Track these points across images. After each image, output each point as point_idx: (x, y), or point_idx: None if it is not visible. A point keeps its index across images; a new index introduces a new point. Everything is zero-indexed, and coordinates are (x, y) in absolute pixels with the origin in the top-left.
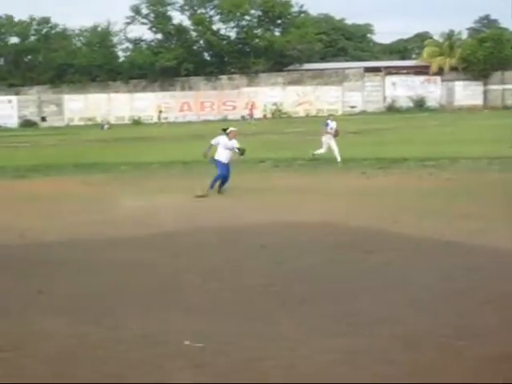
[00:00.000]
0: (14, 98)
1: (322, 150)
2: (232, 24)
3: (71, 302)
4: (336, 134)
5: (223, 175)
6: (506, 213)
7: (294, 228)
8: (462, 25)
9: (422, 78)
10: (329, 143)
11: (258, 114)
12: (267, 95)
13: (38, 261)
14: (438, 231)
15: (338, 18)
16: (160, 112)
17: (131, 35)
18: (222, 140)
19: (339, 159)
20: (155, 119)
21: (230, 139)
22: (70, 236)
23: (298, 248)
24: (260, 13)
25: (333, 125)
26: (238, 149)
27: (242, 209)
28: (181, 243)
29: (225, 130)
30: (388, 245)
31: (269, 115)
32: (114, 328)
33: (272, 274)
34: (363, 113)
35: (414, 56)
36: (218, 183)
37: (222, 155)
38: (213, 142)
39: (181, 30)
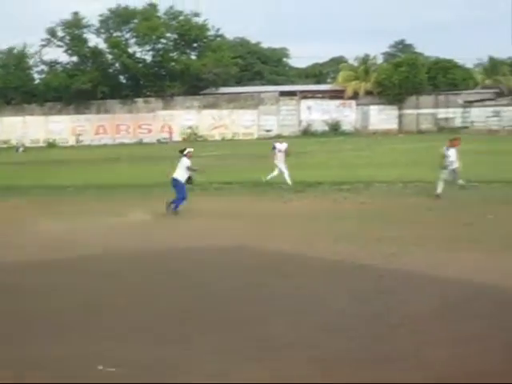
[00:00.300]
0: None
1: (285, 173)
2: (148, 47)
3: None
4: (288, 154)
5: (184, 195)
6: (418, 236)
7: (209, 252)
8: (377, 49)
9: (337, 102)
10: (279, 166)
11: (175, 137)
12: (183, 118)
13: None
14: (353, 255)
15: (253, 41)
16: (78, 135)
17: (47, 58)
18: (184, 161)
19: (290, 182)
20: (71, 142)
21: (189, 159)
22: None
23: (212, 272)
24: (176, 36)
25: (282, 147)
26: (194, 170)
27: (156, 232)
28: (92, 268)
29: (182, 151)
30: (303, 269)
31: (178, 138)
32: (23, 349)
33: (187, 298)
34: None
35: (329, 80)
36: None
37: (183, 176)
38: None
39: (96, 52)
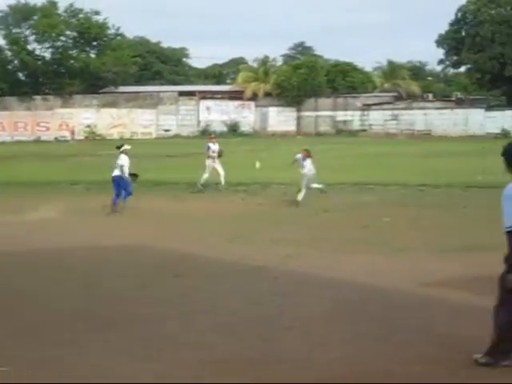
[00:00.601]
0: None
1: (205, 175)
2: (47, 44)
3: None
4: (220, 155)
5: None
6: (314, 238)
7: (103, 251)
8: (277, 51)
9: (236, 102)
10: (213, 166)
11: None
12: (81, 117)
13: None
14: (248, 256)
15: (153, 41)
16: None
17: None
18: (121, 158)
19: (223, 183)
20: None
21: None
22: None
23: (107, 272)
24: (76, 34)
25: (215, 147)
26: (124, 172)
27: (55, 232)
28: None
29: (119, 147)
30: (197, 269)
31: (81, 137)
32: None
33: (80, 298)
34: (177, 136)
35: (228, 81)
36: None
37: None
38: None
39: None
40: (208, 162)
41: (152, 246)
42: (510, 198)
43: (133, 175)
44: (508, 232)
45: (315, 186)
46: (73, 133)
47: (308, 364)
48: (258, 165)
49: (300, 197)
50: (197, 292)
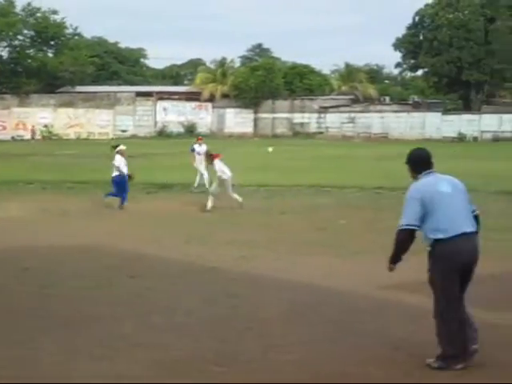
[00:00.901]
0: None
1: (205, 176)
2: (4, 43)
3: None
4: (207, 157)
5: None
6: (270, 240)
7: (59, 251)
8: (235, 53)
9: (193, 104)
10: (199, 169)
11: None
12: (38, 116)
13: None
14: (203, 257)
15: (111, 41)
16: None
17: None
18: (116, 159)
19: (196, 185)
20: None
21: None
22: None
23: (63, 272)
24: (33, 33)
25: (201, 149)
26: (119, 171)
27: (7, 231)
28: None
29: (114, 147)
30: (152, 269)
31: (38, 137)
32: None
33: (35, 297)
34: (134, 137)
35: (186, 82)
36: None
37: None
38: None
39: None
40: (196, 163)
41: (107, 246)
42: (408, 199)
43: (128, 176)
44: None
45: (234, 195)
46: (33, 132)
47: (263, 365)
48: (270, 149)
49: (209, 204)
50: (151, 292)
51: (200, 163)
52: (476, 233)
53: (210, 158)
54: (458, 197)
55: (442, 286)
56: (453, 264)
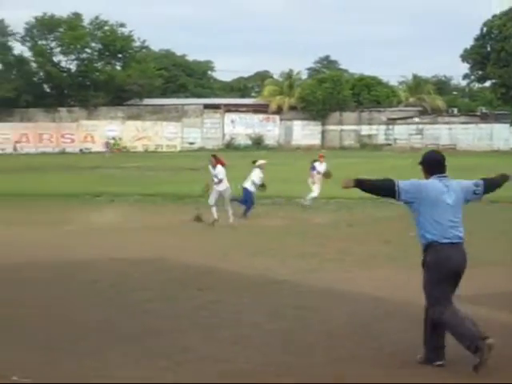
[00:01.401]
0: None
1: (313, 194)
2: (73, 56)
3: None
4: (328, 176)
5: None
6: (338, 252)
7: (127, 264)
8: (302, 65)
9: (260, 116)
10: (313, 184)
11: (98, 147)
12: (106, 129)
13: None
14: (271, 270)
15: (179, 53)
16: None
17: None
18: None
19: (308, 200)
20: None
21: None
22: None
23: (131, 284)
24: (101, 46)
25: (321, 168)
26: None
27: (77, 244)
28: (12, 278)
29: (254, 162)
30: (219, 282)
31: (111, 151)
32: None
33: (104, 309)
34: (202, 149)
35: (253, 94)
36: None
37: (251, 185)
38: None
39: (21, 60)
40: (311, 180)
41: (173, 259)
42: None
43: (261, 186)
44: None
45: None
46: (108, 146)
47: (330, 379)
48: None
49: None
50: (218, 305)
51: (315, 181)
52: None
53: (216, 162)
54: (457, 208)
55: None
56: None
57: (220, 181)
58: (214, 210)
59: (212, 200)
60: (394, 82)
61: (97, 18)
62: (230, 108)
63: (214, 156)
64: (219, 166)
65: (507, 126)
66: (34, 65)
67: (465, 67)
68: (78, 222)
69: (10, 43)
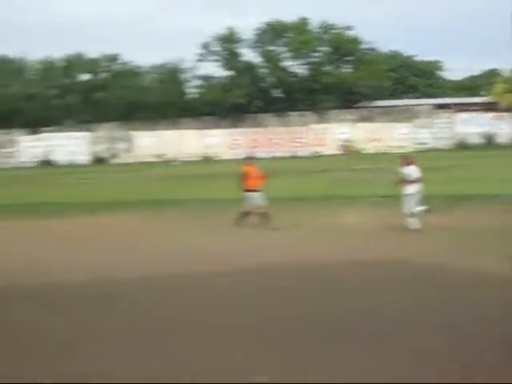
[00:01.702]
0: (84, 134)
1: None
2: (302, 61)
3: None
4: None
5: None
6: None
7: (368, 266)
8: None
9: (491, 114)
10: None
11: (329, 150)
12: (336, 132)
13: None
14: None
15: (405, 54)
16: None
17: (200, 72)
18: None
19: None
20: (227, 156)
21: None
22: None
23: (373, 285)
24: (329, 49)
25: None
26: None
27: (308, 246)
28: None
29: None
30: (459, 281)
31: (345, 152)
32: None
33: (342, 312)
34: (433, 150)
35: (482, 93)
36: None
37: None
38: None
39: (250, 66)
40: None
41: (410, 260)
42: None
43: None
44: None
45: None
46: (343, 148)
47: None
48: None
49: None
50: (457, 304)
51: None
52: None
53: (406, 162)
54: None
55: None
56: None
57: (415, 180)
58: (413, 220)
59: (409, 208)
60: None
61: (324, 22)
62: (460, 107)
63: (406, 157)
64: (412, 166)
65: None
66: (262, 70)
67: None
68: (312, 222)
69: (239, 50)
